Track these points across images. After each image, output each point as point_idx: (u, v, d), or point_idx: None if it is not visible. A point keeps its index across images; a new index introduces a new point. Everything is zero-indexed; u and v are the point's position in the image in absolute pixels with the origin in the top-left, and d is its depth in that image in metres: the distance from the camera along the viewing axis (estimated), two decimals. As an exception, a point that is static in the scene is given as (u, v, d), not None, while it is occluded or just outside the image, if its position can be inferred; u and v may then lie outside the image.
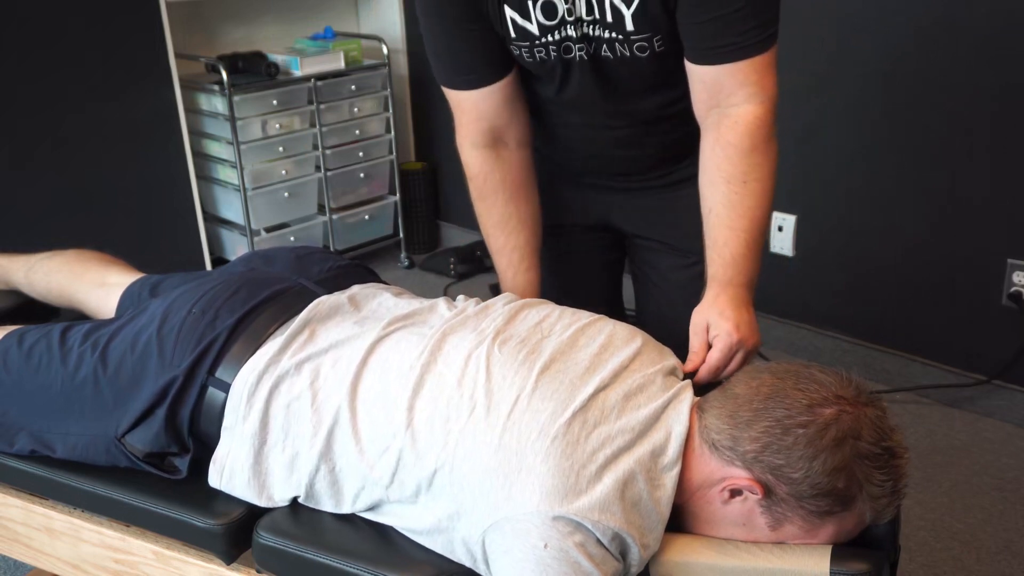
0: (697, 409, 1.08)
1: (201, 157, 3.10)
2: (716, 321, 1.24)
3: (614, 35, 1.22)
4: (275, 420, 1.14)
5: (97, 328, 1.31)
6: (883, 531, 1.04)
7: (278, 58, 3.06)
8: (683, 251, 1.46)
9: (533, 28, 1.24)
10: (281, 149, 3.08)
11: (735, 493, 1.02)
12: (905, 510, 1.69)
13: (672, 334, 1.26)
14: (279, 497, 1.15)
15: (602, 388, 1.05)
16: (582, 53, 1.26)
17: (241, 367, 1.17)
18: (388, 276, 1.96)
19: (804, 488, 0.98)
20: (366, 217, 3.41)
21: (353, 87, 3.22)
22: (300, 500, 1.15)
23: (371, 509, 1.12)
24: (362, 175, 3.34)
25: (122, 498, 1.22)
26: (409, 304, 1.26)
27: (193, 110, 3.05)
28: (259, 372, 1.16)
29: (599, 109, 1.34)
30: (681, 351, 1.23)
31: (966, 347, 2.40)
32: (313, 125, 3.15)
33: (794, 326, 2.72)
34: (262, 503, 1.16)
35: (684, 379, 1.17)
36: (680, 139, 1.39)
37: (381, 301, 1.28)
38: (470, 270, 3.39)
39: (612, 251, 1.59)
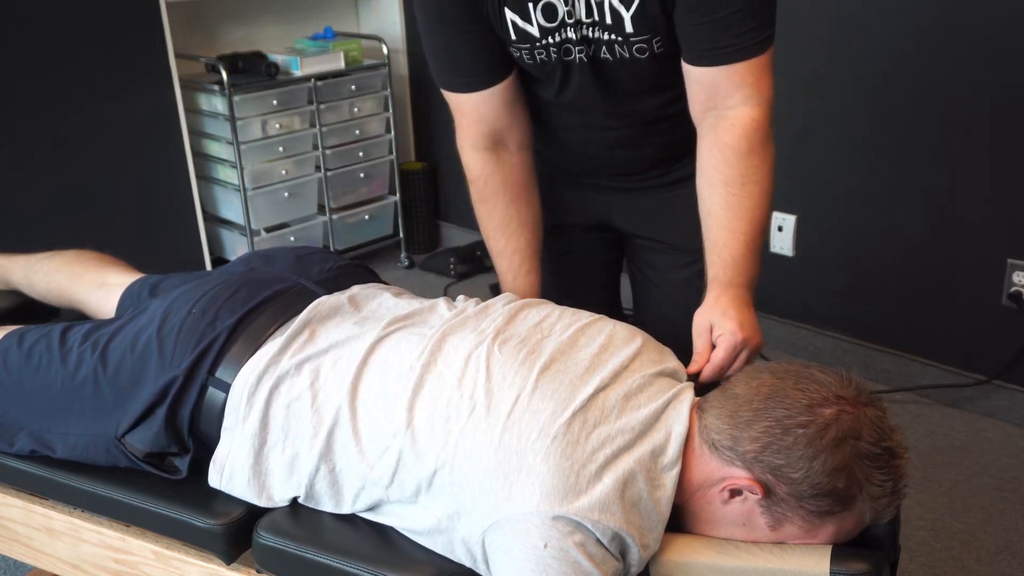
0: (697, 409, 1.08)
1: (201, 157, 3.10)
2: (719, 321, 1.24)
3: (613, 37, 1.23)
4: (275, 420, 1.14)
5: (97, 328, 1.31)
6: (883, 531, 1.04)
7: (278, 58, 3.06)
8: (682, 250, 1.46)
9: (533, 30, 1.24)
10: (281, 149, 3.08)
11: (735, 493, 1.02)
12: (905, 510, 1.70)
13: (671, 333, 1.26)
14: (279, 497, 1.15)
15: (602, 388, 1.05)
16: (582, 55, 1.26)
17: (241, 367, 1.17)
18: (388, 276, 1.96)
19: (804, 488, 0.98)
20: (366, 217, 3.41)
21: (353, 87, 3.22)
22: (300, 500, 1.15)
23: (371, 509, 1.12)
24: (362, 175, 3.34)
25: (122, 498, 1.22)
26: (409, 304, 1.26)
27: (193, 110, 3.05)
28: (259, 372, 1.16)
29: (599, 110, 1.34)
30: (680, 350, 1.23)
31: (966, 347, 2.40)
32: (313, 125, 3.15)
33: (794, 326, 2.72)
34: (262, 503, 1.16)
35: (687, 380, 1.17)
36: (679, 138, 1.39)
37: (381, 301, 1.28)
38: (470, 270, 3.39)
39: (612, 251, 1.60)
